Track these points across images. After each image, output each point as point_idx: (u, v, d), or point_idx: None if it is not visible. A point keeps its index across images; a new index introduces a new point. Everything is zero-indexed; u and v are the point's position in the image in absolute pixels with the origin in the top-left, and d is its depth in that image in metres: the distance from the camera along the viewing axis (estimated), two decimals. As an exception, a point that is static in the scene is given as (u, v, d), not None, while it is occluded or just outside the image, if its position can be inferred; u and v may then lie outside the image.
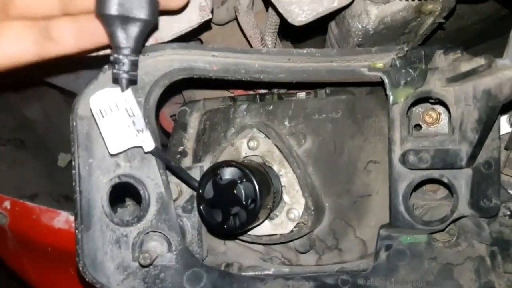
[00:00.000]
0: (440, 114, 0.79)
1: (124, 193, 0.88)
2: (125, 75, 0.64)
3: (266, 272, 0.81)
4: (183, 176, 0.75)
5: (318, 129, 0.81)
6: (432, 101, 0.76)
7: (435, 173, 0.72)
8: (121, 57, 0.63)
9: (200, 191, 0.70)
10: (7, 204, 1.16)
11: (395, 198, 0.73)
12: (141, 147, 0.69)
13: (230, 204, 0.69)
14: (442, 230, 0.75)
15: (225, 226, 0.69)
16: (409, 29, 0.85)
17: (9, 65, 0.66)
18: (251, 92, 0.95)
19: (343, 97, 0.84)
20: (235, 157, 0.81)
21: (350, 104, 0.83)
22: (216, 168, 0.70)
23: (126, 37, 0.62)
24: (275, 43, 0.90)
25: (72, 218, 1.10)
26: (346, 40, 0.85)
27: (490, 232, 0.75)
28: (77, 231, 0.73)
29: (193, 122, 0.91)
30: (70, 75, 1.01)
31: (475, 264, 0.76)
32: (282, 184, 0.79)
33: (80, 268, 0.73)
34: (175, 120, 0.94)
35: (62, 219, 1.12)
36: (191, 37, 0.88)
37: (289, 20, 0.74)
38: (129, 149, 0.70)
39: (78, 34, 0.66)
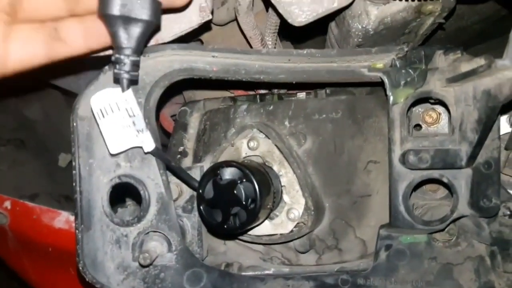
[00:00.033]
0: (440, 114, 0.79)
1: (124, 193, 0.88)
2: (126, 75, 0.64)
3: (266, 272, 0.81)
4: (183, 176, 0.75)
5: (318, 129, 0.81)
6: (432, 101, 0.76)
7: (435, 173, 0.72)
8: (122, 57, 0.64)
9: (200, 191, 0.70)
10: (7, 204, 1.16)
11: (395, 198, 0.73)
12: (141, 147, 0.69)
13: (230, 204, 0.69)
14: (442, 230, 0.75)
15: (225, 226, 0.69)
16: (409, 29, 0.85)
17: (19, 69, 0.67)
18: (251, 93, 0.95)
19: (343, 97, 0.84)
20: (235, 157, 0.81)
21: (350, 104, 0.83)
22: (216, 168, 0.70)
23: (127, 37, 0.63)
24: (275, 44, 0.90)
25: (72, 218, 1.10)
26: (346, 41, 0.86)
27: (490, 232, 0.75)
28: (77, 231, 0.73)
29: (194, 122, 0.92)
30: (71, 75, 1.02)
31: (475, 263, 0.76)
32: (282, 184, 0.79)
33: (80, 268, 0.73)
34: (176, 120, 0.94)
35: (63, 219, 1.12)
36: (191, 37, 0.88)
37: (289, 20, 0.74)
38: (129, 149, 0.70)
39: (86, 35, 0.67)
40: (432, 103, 0.78)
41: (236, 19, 0.87)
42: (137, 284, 0.74)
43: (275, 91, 0.91)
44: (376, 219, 0.80)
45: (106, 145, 0.68)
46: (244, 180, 0.68)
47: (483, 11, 1.06)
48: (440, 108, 0.79)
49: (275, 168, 0.79)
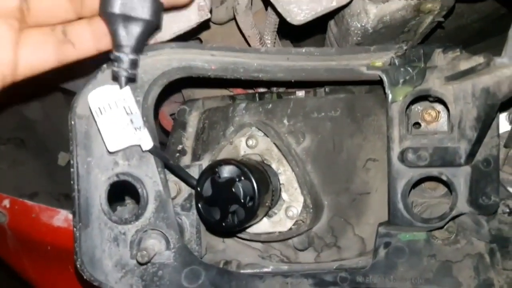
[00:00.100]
0: (439, 112, 0.79)
1: (123, 191, 0.88)
2: (124, 73, 0.64)
3: (265, 269, 0.81)
4: (181, 174, 0.75)
5: (317, 127, 0.81)
6: (431, 99, 0.76)
7: (434, 171, 0.72)
8: (121, 55, 0.64)
9: (199, 189, 0.70)
10: (6, 202, 1.16)
11: (394, 195, 0.73)
12: (139, 145, 0.69)
13: (229, 202, 0.69)
14: (441, 228, 0.75)
15: (223, 224, 0.69)
16: (408, 28, 0.85)
17: (30, 74, 0.67)
18: (251, 91, 0.95)
19: (342, 95, 0.84)
20: (234, 156, 0.81)
21: (349, 102, 0.83)
22: (214, 166, 0.70)
23: (127, 36, 0.63)
24: (275, 43, 0.90)
25: (71, 216, 1.10)
26: (345, 39, 0.85)
27: (489, 229, 0.75)
28: (75, 229, 0.73)
29: (192, 121, 0.92)
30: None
31: (474, 261, 0.76)
32: (281, 182, 0.79)
33: (78, 266, 0.73)
34: (174, 119, 0.94)
35: (62, 218, 1.12)
36: (190, 36, 0.88)
37: (288, 19, 0.74)
38: (127, 147, 0.70)
39: (94, 36, 0.67)
40: (431, 101, 0.78)
41: (234, 18, 0.87)
42: (135, 282, 0.74)
43: (274, 89, 0.91)
44: (375, 216, 0.80)
45: (104, 142, 0.68)
46: (243, 178, 0.68)
47: (482, 9, 1.05)
48: (439, 106, 0.78)
49: (273, 166, 0.79)
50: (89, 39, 0.67)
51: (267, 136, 0.80)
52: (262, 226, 0.79)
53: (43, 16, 0.65)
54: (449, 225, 0.76)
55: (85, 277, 0.74)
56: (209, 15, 0.74)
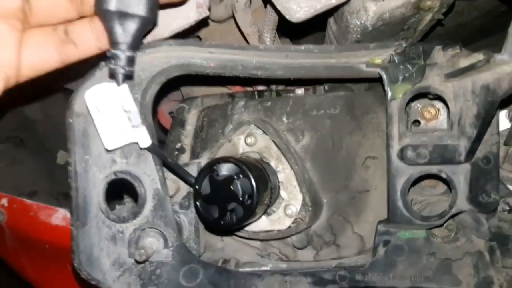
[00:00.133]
0: (439, 110, 0.78)
1: (122, 190, 0.88)
2: (121, 70, 0.64)
3: (264, 268, 0.81)
4: (179, 172, 0.74)
5: (316, 125, 0.81)
6: (430, 96, 0.75)
7: (433, 169, 0.72)
8: (118, 52, 0.63)
9: (197, 187, 0.70)
10: (4, 201, 1.15)
11: (393, 193, 0.72)
12: (137, 143, 0.69)
13: (227, 200, 0.68)
14: (441, 226, 0.75)
15: (222, 222, 0.69)
16: (408, 25, 0.85)
17: (33, 75, 0.67)
18: (250, 89, 0.95)
19: (342, 93, 0.84)
20: (232, 154, 0.81)
21: (348, 100, 0.82)
22: (213, 164, 0.70)
23: (123, 33, 0.63)
24: (274, 41, 0.90)
25: (69, 215, 1.10)
26: (345, 37, 0.85)
27: (489, 227, 0.75)
28: (73, 227, 0.73)
29: (191, 119, 0.91)
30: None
31: (474, 259, 0.75)
32: (280, 180, 0.79)
33: (76, 264, 0.73)
34: (173, 117, 0.94)
35: (60, 216, 1.12)
36: (189, 34, 0.88)
37: (287, 17, 0.74)
38: (125, 145, 0.69)
39: (96, 35, 0.67)
40: (430, 99, 0.77)
41: (233, 16, 0.86)
42: (133, 280, 0.74)
43: (273, 87, 0.91)
44: (374, 214, 0.80)
45: (101, 140, 0.68)
46: (241, 176, 0.68)
47: (483, 7, 1.05)
48: (439, 104, 0.78)
49: (272, 164, 0.79)
50: (90, 38, 0.67)
51: (266, 134, 0.80)
52: (261, 224, 0.79)
53: (45, 16, 0.65)
54: (449, 223, 0.76)
55: (82, 276, 0.74)
56: (207, 13, 0.74)
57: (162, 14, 0.72)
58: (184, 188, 0.78)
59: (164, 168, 0.75)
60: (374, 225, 0.77)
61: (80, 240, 0.73)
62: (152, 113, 0.76)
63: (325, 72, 0.75)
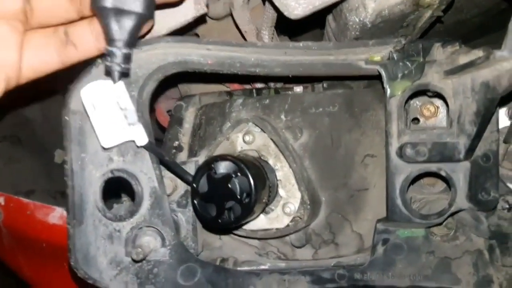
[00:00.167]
0: (438, 107, 0.78)
1: (120, 188, 0.87)
2: (117, 67, 0.63)
3: (262, 267, 0.80)
4: (177, 170, 0.74)
5: (314, 123, 0.80)
6: (430, 94, 0.75)
7: (432, 166, 0.71)
8: (114, 49, 0.63)
9: (194, 185, 0.69)
10: (1, 200, 1.15)
11: (392, 191, 0.72)
12: (134, 141, 0.68)
13: (225, 198, 0.68)
14: (440, 224, 0.74)
15: (220, 221, 0.68)
16: (407, 22, 0.84)
17: (34, 76, 0.67)
18: (248, 87, 0.94)
19: (340, 90, 0.83)
20: (230, 152, 0.80)
21: (347, 97, 0.82)
22: (210, 162, 0.69)
23: (120, 30, 0.62)
24: (272, 38, 0.89)
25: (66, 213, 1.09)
26: (343, 34, 0.85)
27: (489, 225, 0.74)
28: (69, 226, 0.72)
29: (189, 117, 0.91)
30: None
31: (473, 257, 0.75)
32: (278, 178, 0.78)
33: (72, 263, 0.72)
34: (171, 115, 0.93)
35: (57, 215, 1.11)
36: (187, 31, 0.87)
37: (286, 13, 0.73)
38: (121, 143, 0.69)
39: (95, 36, 0.67)
40: (430, 96, 0.77)
41: (231, 14, 0.86)
42: (130, 279, 0.73)
43: (272, 85, 0.90)
44: (373, 213, 0.79)
45: (98, 138, 0.68)
46: (239, 174, 0.67)
47: (483, 4, 1.04)
48: (438, 102, 0.78)
49: (270, 162, 0.79)
50: (89, 39, 0.67)
51: (264, 132, 0.79)
52: (259, 222, 0.79)
53: (45, 16, 0.65)
54: (448, 221, 0.75)
55: (79, 275, 0.73)
56: (205, 10, 0.73)
57: (160, 11, 0.71)
58: (182, 187, 0.78)
59: (161, 166, 0.74)
60: (373, 223, 0.76)
61: (77, 238, 0.73)
62: (150, 111, 0.76)
63: (324, 69, 0.75)
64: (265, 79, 0.90)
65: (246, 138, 0.80)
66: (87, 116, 0.67)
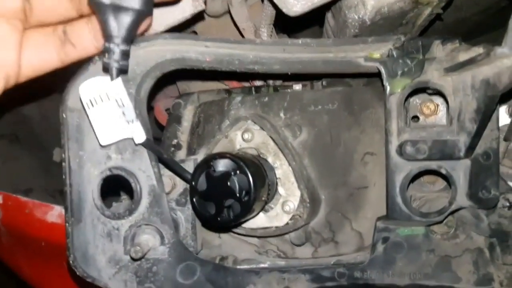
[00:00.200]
0: (437, 105, 0.77)
1: (118, 187, 0.87)
2: (115, 64, 0.63)
3: (262, 265, 0.80)
4: (175, 168, 0.73)
5: (314, 120, 0.80)
6: (430, 91, 0.75)
7: (433, 164, 0.71)
8: (112, 46, 0.62)
9: (193, 183, 0.69)
10: (-1, 198, 1.15)
11: (392, 189, 0.72)
12: (132, 138, 0.68)
13: (224, 197, 0.67)
14: (440, 222, 0.74)
15: (219, 219, 0.68)
16: (406, 20, 0.84)
17: (33, 75, 0.67)
18: (247, 85, 0.94)
19: (340, 88, 0.83)
20: (229, 150, 0.80)
21: (346, 95, 0.82)
22: (209, 160, 0.69)
23: (117, 26, 0.61)
24: (271, 36, 0.89)
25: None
26: (343, 32, 0.84)
27: (489, 223, 0.74)
28: (67, 224, 0.72)
29: (187, 115, 0.90)
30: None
31: (474, 256, 0.75)
32: (277, 176, 0.78)
33: (71, 261, 0.72)
34: (169, 113, 0.93)
35: (55, 213, 1.11)
36: (184, 28, 0.87)
37: (284, 10, 0.73)
38: (120, 140, 0.68)
39: (94, 35, 0.66)
40: (429, 94, 0.76)
41: (229, 11, 0.86)
42: (129, 277, 0.73)
43: (271, 82, 0.90)
44: (373, 211, 0.79)
45: (96, 135, 0.67)
46: (238, 172, 0.67)
47: (482, 2, 1.04)
48: (438, 99, 0.77)
49: (270, 160, 0.78)
50: (88, 38, 0.67)
51: (263, 130, 0.79)
52: (259, 221, 0.78)
53: (45, 15, 0.65)
54: (448, 220, 0.75)
55: (78, 273, 0.73)
56: (203, 6, 0.73)
57: (158, 8, 0.71)
58: (181, 185, 0.77)
59: (160, 164, 0.74)
60: (373, 221, 0.76)
61: (75, 237, 0.72)
62: (148, 109, 0.75)
63: (323, 67, 0.74)
64: (264, 76, 0.90)
65: (245, 136, 0.80)
66: (85, 113, 0.67)
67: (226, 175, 0.67)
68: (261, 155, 0.79)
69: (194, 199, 0.69)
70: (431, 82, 0.70)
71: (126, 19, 0.61)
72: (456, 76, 0.69)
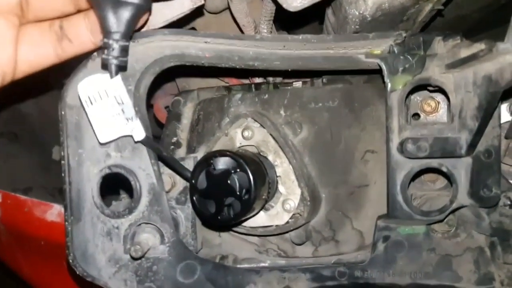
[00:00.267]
0: (439, 103, 0.77)
1: (118, 185, 0.86)
2: (114, 61, 0.62)
3: (262, 264, 0.80)
4: (175, 166, 0.73)
5: (314, 118, 0.79)
6: (431, 88, 0.74)
7: (434, 162, 0.70)
8: (111, 42, 0.61)
9: (193, 181, 0.68)
10: (-2, 197, 1.14)
11: (393, 188, 0.71)
12: (131, 136, 0.67)
13: (224, 195, 0.67)
14: (441, 221, 0.74)
15: (219, 217, 0.68)
16: (407, 16, 0.83)
17: (30, 71, 0.66)
18: (247, 82, 0.93)
19: (340, 85, 0.82)
20: (229, 147, 0.79)
21: (347, 92, 0.81)
22: (209, 158, 0.68)
23: (117, 21, 0.61)
24: (271, 32, 0.88)
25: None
26: (343, 28, 0.83)
27: (490, 222, 0.74)
28: (67, 223, 0.72)
29: (187, 113, 0.90)
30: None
31: (475, 255, 0.74)
32: (278, 174, 0.77)
33: (70, 260, 0.72)
34: (169, 111, 0.92)
35: (55, 212, 1.11)
36: (183, 24, 0.86)
37: (284, 5, 0.72)
38: (119, 138, 0.68)
39: (91, 30, 0.66)
40: (430, 91, 0.76)
41: (229, 7, 0.85)
42: (129, 277, 0.73)
43: (271, 80, 0.89)
44: (373, 209, 0.78)
45: (95, 133, 0.67)
46: (238, 170, 0.67)
47: (483, -1, 1.04)
48: (439, 97, 0.77)
49: (270, 158, 0.78)
50: (85, 34, 0.66)
51: (264, 127, 0.78)
52: (259, 219, 0.78)
53: (42, 10, 0.64)
54: (449, 218, 0.75)
55: (77, 272, 0.72)
56: (202, 1, 0.72)
57: (157, 3, 0.70)
58: (181, 183, 0.77)
59: (159, 162, 0.73)
60: (373, 220, 0.75)
61: (75, 236, 0.72)
62: (147, 106, 0.75)
63: (323, 63, 0.74)
64: (264, 73, 0.89)
65: (245, 134, 0.79)
66: (84, 110, 0.66)
67: (226, 173, 0.67)
68: (261, 153, 0.78)
69: (194, 198, 0.68)
70: (432, 79, 0.70)
71: (125, 14, 0.60)
72: (457, 72, 0.68)
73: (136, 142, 0.69)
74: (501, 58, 0.62)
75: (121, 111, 0.65)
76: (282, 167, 0.77)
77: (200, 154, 0.80)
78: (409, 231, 0.74)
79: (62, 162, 0.71)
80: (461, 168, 0.71)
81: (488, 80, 0.64)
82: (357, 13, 0.76)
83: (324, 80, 0.84)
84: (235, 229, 0.80)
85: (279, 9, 0.75)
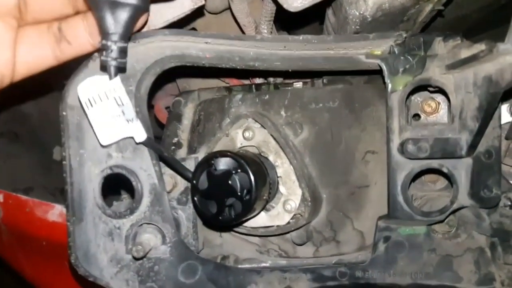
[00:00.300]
0: (439, 103, 0.77)
1: (119, 185, 0.87)
2: (113, 62, 0.62)
3: (263, 264, 0.80)
4: (176, 166, 0.73)
5: (315, 118, 0.80)
6: (431, 89, 0.74)
7: (434, 163, 0.71)
8: (109, 43, 0.61)
9: (194, 182, 0.68)
10: (0, 197, 1.14)
11: (394, 188, 0.71)
12: (132, 137, 0.67)
13: (225, 195, 0.67)
14: (442, 221, 0.74)
15: (220, 218, 0.68)
16: (407, 16, 0.83)
17: (28, 73, 0.66)
18: (247, 82, 0.93)
19: (340, 86, 0.82)
20: (230, 148, 0.80)
21: (347, 93, 0.81)
22: (210, 159, 0.68)
23: (115, 22, 0.60)
24: (271, 33, 0.88)
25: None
26: (343, 28, 0.84)
27: (490, 223, 0.74)
28: (68, 223, 0.72)
29: (188, 113, 0.90)
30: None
31: (475, 255, 0.75)
32: (278, 175, 0.77)
33: (72, 261, 0.72)
34: (170, 111, 0.92)
35: (56, 212, 1.11)
36: (184, 24, 0.86)
37: (285, 6, 0.72)
38: (120, 140, 0.68)
39: (90, 32, 0.65)
40: (431, 92, 0.76)
41: (230, 7, 0.85)
42: (131, 277, 0.73)
43: (271, 80, 0.89)
44: (374, 210, 0.79)
45: (96, 136, 0.67)
46: (239, 170, 0.67)
47: (483, -1, 1.04)
48: (439, 97, 0.77)
49: (271, 158, 0.78)
50: (83, 35, 0.66)
51: (264, 128, 0.78)
52: (260, 220, 0.78)
53: (40, 12, 0.64)
54: (450, 219, 0.75)
55: (79, 273, 0.73)
56: (203, 2, 0.72)
57: (156, 3, 0.70)
58: (182, 183, 0.77)
59: (161, 163, 0.74)
60: (374, 221, 0.76)
61: (77, 236, 0.72)
62: (148, 107, 0.75)
63: (324, 64, 0.74)
64: (265, 74, 0.89)
65: (246, 134, 0.79)
66: (84, 113, 0.66)
67: (227, 173, 0.67)
68: (262, 154, 0.78)
69: (195, 198, 0.69)
70: (432, 79, 0.70)
71: (123, 15, 0.60)
72: (458, 73, 0.68)
73: (137, 143, 0.69)
74: (501, 59, 0.62)
75: (122, 112, 0.65)
76: (282, 167, 0.77)
77: (201, 154, 0.81)
78: (410, 231, 0.74)
79: (64, 162, 0.71)
80: (462, 169, 0.71)
81: (489, 80, 0.64)
82: (357, 14, 0.76)
83: (325, 80, 0.84)
84: (236, 229, 0.80)
85: (280, 9, 0.75)
